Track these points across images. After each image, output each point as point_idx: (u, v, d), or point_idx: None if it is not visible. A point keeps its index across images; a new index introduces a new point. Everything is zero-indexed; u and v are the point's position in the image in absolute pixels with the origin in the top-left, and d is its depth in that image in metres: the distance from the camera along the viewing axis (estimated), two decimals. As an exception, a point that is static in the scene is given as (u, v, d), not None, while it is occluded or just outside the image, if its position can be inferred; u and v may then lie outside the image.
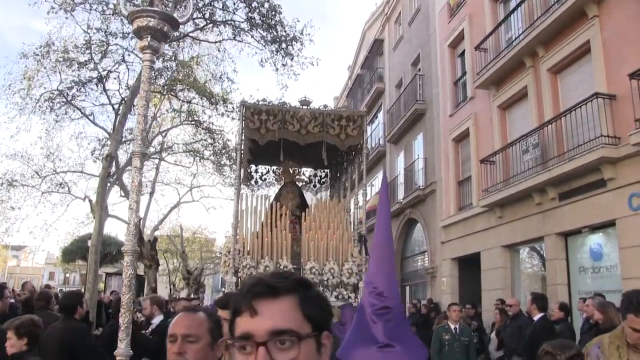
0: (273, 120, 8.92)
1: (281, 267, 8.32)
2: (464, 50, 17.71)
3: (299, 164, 11.11)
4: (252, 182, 11.60)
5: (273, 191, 11.47)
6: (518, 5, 14.05)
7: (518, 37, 13.81)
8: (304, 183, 11.84)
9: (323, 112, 9.21)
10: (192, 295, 26.52)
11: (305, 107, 9.28)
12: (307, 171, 12.02)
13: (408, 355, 3.22)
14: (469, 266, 16.44)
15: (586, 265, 11.79)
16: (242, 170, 9.82)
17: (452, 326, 8.70)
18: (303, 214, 9.47)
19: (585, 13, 11.44)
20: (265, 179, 11.79)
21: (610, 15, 10.99)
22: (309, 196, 11.93)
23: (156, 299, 7.66)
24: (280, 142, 8.89)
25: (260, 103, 9.13)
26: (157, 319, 7.12)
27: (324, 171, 12.18)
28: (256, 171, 11.77)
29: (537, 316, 8.01)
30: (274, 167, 11.68)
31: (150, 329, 7.07)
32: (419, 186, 20.32)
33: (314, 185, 12.18)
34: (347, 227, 9.52)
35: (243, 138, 9.19)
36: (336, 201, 10.27)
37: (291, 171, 11.10)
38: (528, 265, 14.73)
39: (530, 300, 8.28)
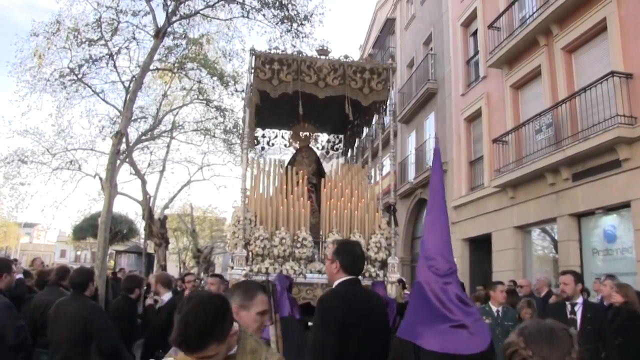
0: (287, 70, 7.91)
1: (299, 239, 7.56)
2: (476, 29, 17.48)
3: (314, 127, 10.21)
4: (259, 147, 10.66)
5: (283, 158, 10.28)
6: (533, -18, 13.83)
7: (532, 15, 13.58)
8: (318, 148, 10.82)
9: (344, 64, 8.17)
10: (201, 274, 26.67)
11: (323, 57, 8.26)
12: (319, 137, 10.97)
13: (478, 338, 3.10)
14: (480, 247, 16.38)
15: (599, 247, 11.69)
16: (250, 130, 8.81)
17: (494, 308, 7.64)
18: (322, 180, 8.59)
19: (602, -10, 11.24)
20: (274, 145, 10.73)
21: (628, -7, 10.78)
22: (326, 165, 11.06)
23: (162, 277, 7.63)
24: (293, 99, 7.91)
25: (272, 52, 8.15)
26: (166, 296, 7.13)
27: (337, 137, 11.18)
28: (263, 136, 10.70)
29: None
30: (283, 132, 10.62)
31: (158, 306, 7.09)
32: (430, 166, 20.19)
33: (327, 152, 11.26)
34: (373, 196, 8.61)
35: (251, 92, 8.14)
36: (359, 166, 9.33)
37: (302, 135, 10.19)
38: (540, 247, 14.63)
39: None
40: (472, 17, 17.72)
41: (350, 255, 3.74)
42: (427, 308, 3.18)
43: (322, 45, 8.53)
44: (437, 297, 3.16)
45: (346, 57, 8.38)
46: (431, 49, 21.66)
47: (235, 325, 2.20)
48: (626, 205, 10.53)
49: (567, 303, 6.15)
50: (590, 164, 11.33)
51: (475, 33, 17.74)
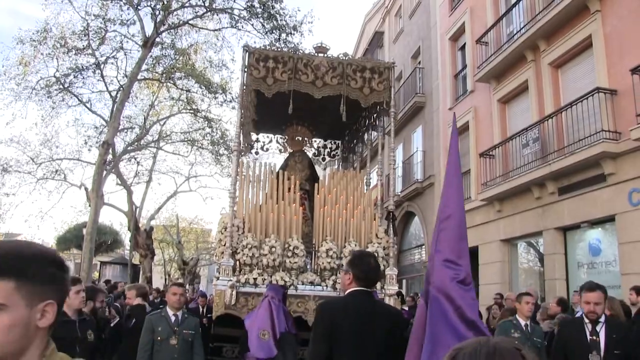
0: (282, 68, 7.52)
1: (290, 247, 7.11)
2: (464, 44, 17.62)
3: (308, 130, 9.85)
4: (253, 152, 10.14)
5: (277, 163, 9.93)
6: (520, -2, 13.96)
7: (519, 30, 13.70)
8: (313, 154, 10.51)
9: (343, 62, 7.74)
10: (187, 286, 26.49)
11: (321, 54, 7.84)
12: (315, 142, 10.61)
13: None
14: (466, 260, 16.38)
15: (584, 260, 11.76)
16: (242, 132, 8.36)
17: (522, 322, 6.43)
18: (315, 186, 8.18)
19: (588, 7, 11.38)
20: (268, 149, 10.29)
21: (612, 10, 10.92)
22: (318, 170, 10.73)
23: (140, 289, 7.51)
24: (288, 101, 7.43)
25: (267, 48, 7.81)
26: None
27: (334, 142, 10.84)
28: (257, 140, 10.27)
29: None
30: (278, 136, 10.24)
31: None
32: (417, 179, 20.25)
33: (323, 158, 10.83)
34: (370, 203, 8.25)
35: (244, 92, 7.73)
36: (355, 172, 8.91)
37: (298, 139, 9.84)
38: (526, 260, 14.68)
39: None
40: (461, 31, 17.85)
41: (364, 267, 3.61)
42: (451, 330, 2.63)
43: (321, 42, 8.07)
44: (462, 316, 2.63)
45: (345, 55, 7.99)
46: (419, 63, 21.79)
47: (52, 344, 1.43)
48: (611, 219, 10.62)
49: (586, 321, 4.93)
50: (575, 179, 11.42)
51: (463, 47, 17.87)
